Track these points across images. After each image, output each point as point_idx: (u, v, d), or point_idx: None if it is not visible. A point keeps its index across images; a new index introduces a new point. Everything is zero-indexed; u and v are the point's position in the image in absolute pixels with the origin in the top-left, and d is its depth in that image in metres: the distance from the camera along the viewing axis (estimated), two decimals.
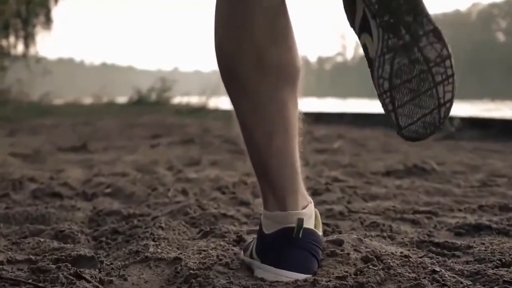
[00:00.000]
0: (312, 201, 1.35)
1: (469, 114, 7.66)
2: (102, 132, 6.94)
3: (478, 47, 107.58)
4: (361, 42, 1.25)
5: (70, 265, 1.26)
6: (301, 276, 1.25)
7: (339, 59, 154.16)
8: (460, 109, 11.54)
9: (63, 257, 1.35)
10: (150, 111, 12.52)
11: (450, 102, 1.20)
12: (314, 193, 2.28)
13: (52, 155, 4.25)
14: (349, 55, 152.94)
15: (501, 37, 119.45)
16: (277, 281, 1.24)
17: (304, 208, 1.31)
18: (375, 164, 3.60)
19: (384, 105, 1.21)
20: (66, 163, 3.82)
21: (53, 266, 1.26)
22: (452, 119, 6.57)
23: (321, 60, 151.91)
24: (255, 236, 1.42)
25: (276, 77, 1.27)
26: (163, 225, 1.66)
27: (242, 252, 1.44)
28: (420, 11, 1.19)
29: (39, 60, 20.22)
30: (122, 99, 15.81)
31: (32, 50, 19.58)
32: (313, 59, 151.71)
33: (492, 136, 5.90)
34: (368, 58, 1.24)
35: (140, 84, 15.45)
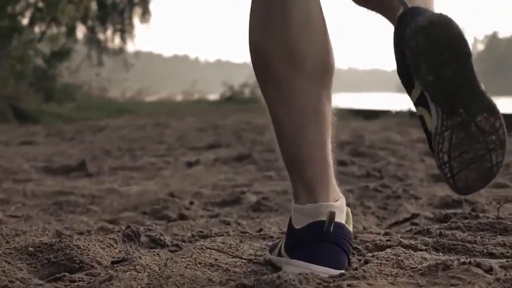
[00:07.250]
0: (343, 196, 1.33)
1: None
2: (156, 137, 5.50)
3: None
4: (417, 112, 1.25)
5: None
6: (333, 272, 1.23)
7: None
8: None
9: None
10: (240, 109, 11.08)
11: (501, 162, 1.22)
12: None
13: (18, 182, 2.80)
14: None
15: None
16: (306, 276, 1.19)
17: (335, 201, 1.30)
18: None
19: (443, 173, 1.22)
20: (17, 200, 2.35)
21: None
22: None
23: None
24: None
25: (309, 72, 1.29)
26: None
27: (268, 253, 1.40)
28: (477, 93, 1.19)
29: (137, 54, 19.53)
30: (215, 96, 14.53)
31: (129, 45, 18.89)
32: None
33: None
34: (426, 129, 1.24)
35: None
